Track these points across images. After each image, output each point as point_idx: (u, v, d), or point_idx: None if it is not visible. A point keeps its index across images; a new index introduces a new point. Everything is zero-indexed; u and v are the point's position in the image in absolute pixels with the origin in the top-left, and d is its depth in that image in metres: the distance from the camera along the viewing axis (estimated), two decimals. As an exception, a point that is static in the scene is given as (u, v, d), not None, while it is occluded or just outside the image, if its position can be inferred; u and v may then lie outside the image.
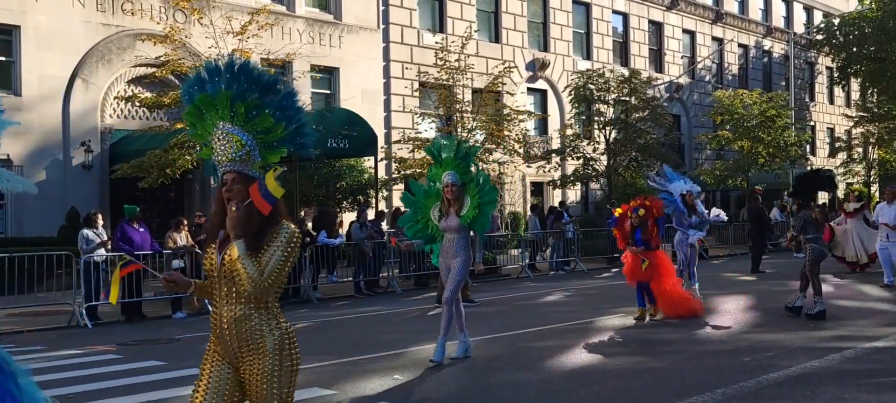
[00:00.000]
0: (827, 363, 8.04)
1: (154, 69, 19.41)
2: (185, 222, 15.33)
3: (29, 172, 18.93)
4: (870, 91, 40.65)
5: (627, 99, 25.81)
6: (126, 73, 20.95)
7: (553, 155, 27.00)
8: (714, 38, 39.30)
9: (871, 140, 39.54)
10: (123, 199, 17.27)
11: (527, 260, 20.71)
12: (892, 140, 39.03)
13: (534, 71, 30.41)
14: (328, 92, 24.82)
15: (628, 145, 25.53)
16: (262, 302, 3.61)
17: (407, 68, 26.31)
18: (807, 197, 12.06)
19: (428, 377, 7.96)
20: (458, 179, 8.48)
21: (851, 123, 41.61)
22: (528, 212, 24.85)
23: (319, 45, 24.18)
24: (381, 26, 26.02)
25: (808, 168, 38.80)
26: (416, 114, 25.08)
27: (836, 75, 43.98)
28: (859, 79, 41.33)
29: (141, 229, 14.25)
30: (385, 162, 22.96)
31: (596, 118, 25.99)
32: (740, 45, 40.99)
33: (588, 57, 32.62)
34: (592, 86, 25.50)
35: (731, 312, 12.13)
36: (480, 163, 20.90)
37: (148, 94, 19.44)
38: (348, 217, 21.16)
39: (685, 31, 37.89)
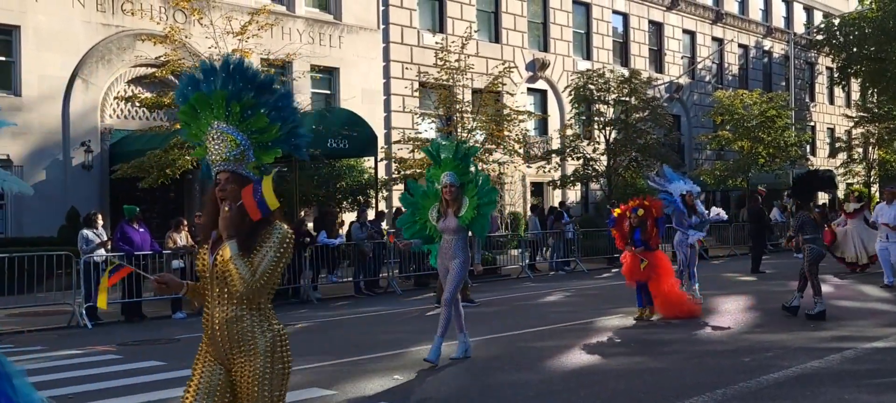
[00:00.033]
0: (827, 363, 8.04)
1: (154, 69, 19.41)
2: (185, 222, 15.32)
3: (29, 172, 18.94)
4: (870, 91, 40.66)
5: (627, 99, 25.81)
6: (126, 73, 20.96)
7: (553, 155, 27.00)
8: (714, 39, 39.30)
9: (872, 140, 39.56)
10: (123, 199, 17.26)
11: (527, 261, 20.71)
12: (893, 140, 39.04)
13: (534, 71, 30.42)
14: (328, 92, 24.83)
15: (628, 145, 25.52)
16: (254, 302, 3.58)
17: (407, 68, 26.31)
18: (805, 197, 12.00)
19: (427, 377, 7.95)
20: (456, 180, 8.40)
21: (851, 124, 41.62)
22: (528, 213, 24.84)
23: (319, 46, 24.18)
24: (381, 26, 26.02)
25: (808, 168, 38.85)
26: (416, 114, 25.08)
27: (836, 75, 43.99)
28: (859, 80, 41.35)
29: (141, 229, 14.25)
30: (385, 162, 22.96)
31: (596, 118, 25.99)
32: (740, 46, 40.99)
33: (588, 57, 32.62)
34: (592, 87, 25.49)
35: (731, 312, 12.13)
36: (480, 164, 20.91)
37: (148, 95, 19.43)
38: (348, 217, 21.15)
39: (685, 31, 37.89)
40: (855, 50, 39.39)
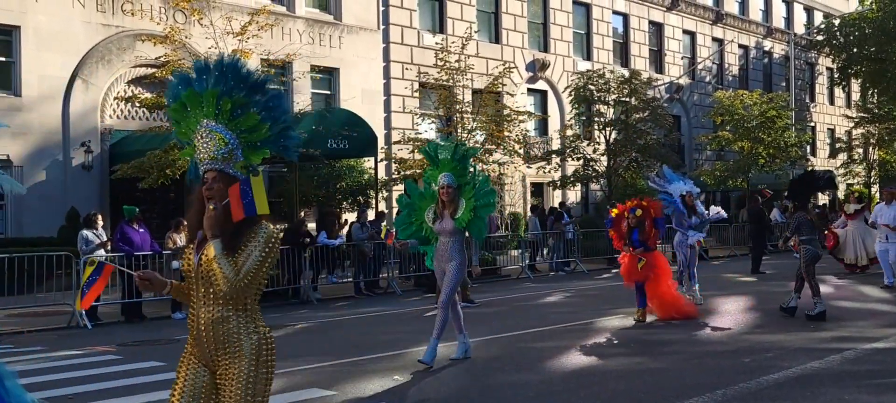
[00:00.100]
0: (827, 364, 8.04)
1: (154, 69, 19.39)
2: (185, 223, 15.30)
3: (29, 172, 18.95)
4: (870, 92, 40.65)
5: (628, 99, 25.81)
6: (126, 74, 20.95)
7: (553, 155, 26.99)
8: (714, 39, 39.29)
9: (872, 141, 39.56)
10: (123, 200, 17.25)
11: (527, 261, 20.72)
12: (893, 141, 39.05)
13: (534, 71, 30.41)
14: (328, 92, 24.82)
15: (628, 146, 25.52)
16: (240, 303, 3.54)
17: (407, 69, 26.30)
18: (803, 199, 12.00)
19: (427, 378, 7.95)
20: (453, 181, 8.32)
21: (852, 124, 41.62)
22: (529, 213, 24.84)
23: (319, 46, 24.18)
24: (381, 27, 26.02)
25: (807, 169, 38.84)
26: (416, 114, 25.07)
27: (836, 76, 43.97)
28: (860, 80, 41.33)
29: (141, 230, 14.25)
30: (385, 162, 22.96)
31: (596, 119, 25.98)
32: (740, 46, 40.98)
33: (588, 57, 32.61)
34: (592, 87, 25.49)
35: (731, 313, 12.13)
36: (480, 164, 20.91)
37: (148, 95, 19.41)
38: (349, 218, 21.14)
39: (685, 31, 37.88)
40: (855, 50, 39.39)
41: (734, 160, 31.76)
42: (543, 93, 31.07)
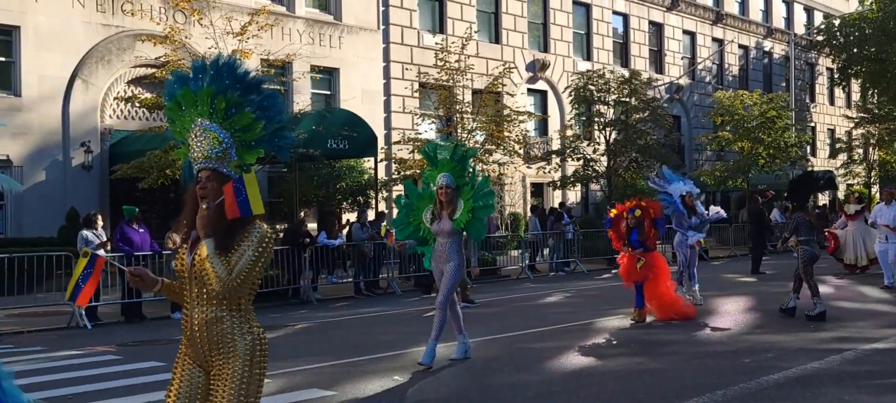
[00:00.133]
0: (827, 364, 8.04)
1: (154, 70, 19.39)
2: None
3: (29, 173, 18.94)
4: (870, 92, 40.67)
5: (628, 100, 25.81)
6: (126, 74, 20.95)
7: (553, 156, 27.00)
8: (714, 39, 39.29)
9: (872, 141, 39.56)
10: (123, 200, 17.25)
11: (527, 261, 20.72)
12: (893, 141, 39.04)
13: (534, 72, 30.41)
14: (328, 92, 24.82)
15: (628, 146, 25.52)
16: (234, 303, 3.52)
17: (407, 69, 26.30)
18: (801, 199, 12.02)
19: (427, 378, 7.95)
20: (452, 181, 8.29)
21: (852, 124, 41.62)
22: (528, 213, 24.85)
23: (319, 46, 24.18)
24: (381, 27, 26.02)
25: (806, 169, 38.86)
26: (416, 114, 25.07)
27: (836, 76, 43.99)
28: (860, 81, 41.35)
29: (140, 230, 14.24)
30: (385, 162, 22.96)
31: (596, 119, 25.99)
32: (740, 46, 40.98)
33: (588, 58, 32.61)
34: (592, 87, 25.49)
35: (731, 313, 12.13)
36: (480, 165, 20.91)
37: (148, 95, 19.40)
38: (348, 218, 21.16)
39: (685, 31, 37.88)
40: (855, 51, 39.40)
41: (734, 160, 31.76)
42: (543, 94, 31.06)
